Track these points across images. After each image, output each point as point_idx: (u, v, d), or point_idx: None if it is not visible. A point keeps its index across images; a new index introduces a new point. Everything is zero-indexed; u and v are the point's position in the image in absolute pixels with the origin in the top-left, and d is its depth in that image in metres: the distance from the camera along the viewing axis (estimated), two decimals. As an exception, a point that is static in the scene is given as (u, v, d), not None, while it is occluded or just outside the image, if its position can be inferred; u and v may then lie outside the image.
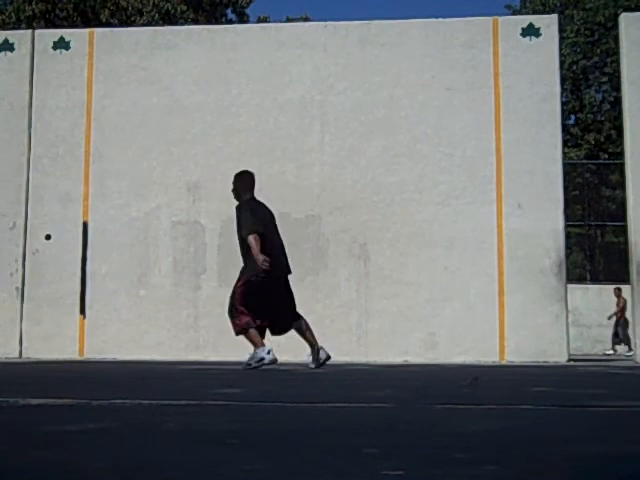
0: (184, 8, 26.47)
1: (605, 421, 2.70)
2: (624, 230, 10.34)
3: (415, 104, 9.29)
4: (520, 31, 9.28)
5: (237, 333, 6.81)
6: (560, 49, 9.57)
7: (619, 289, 18.63)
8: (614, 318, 18.55)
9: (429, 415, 2.83)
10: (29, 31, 10.39)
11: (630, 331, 18.37)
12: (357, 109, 9.35)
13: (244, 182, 7.01)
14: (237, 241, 6.58)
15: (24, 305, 9.32)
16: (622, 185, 10.93)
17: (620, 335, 18.28)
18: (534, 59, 9.22)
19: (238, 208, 6.88)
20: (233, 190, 7.02)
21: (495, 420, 2.66)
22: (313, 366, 6.82)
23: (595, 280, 21.93)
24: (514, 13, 30.66)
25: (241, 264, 6.84)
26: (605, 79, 30.80)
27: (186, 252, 9.37)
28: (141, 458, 1.80)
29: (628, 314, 15.92)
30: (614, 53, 26.76)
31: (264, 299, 6.70)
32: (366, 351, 8.93)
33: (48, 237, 9.08)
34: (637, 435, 2.29)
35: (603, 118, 31.14)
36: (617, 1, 29.70)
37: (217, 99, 9.54)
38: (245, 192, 6.95)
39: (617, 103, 24.03)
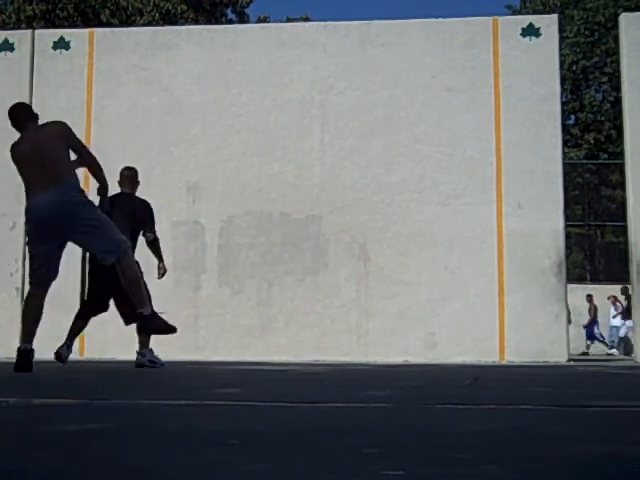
0: (184, 8, 26.48)
1: (605, 421, 2.69)
2: (624, 230, 10.34)
3: (415, 104, 9.29)
4: (520, 31, 9.28)
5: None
6: (560, 49, 9.57)
7: (590, 296, 18.96)
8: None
9: (429, 415, 2.83)
10: (29, 31, 10.39)
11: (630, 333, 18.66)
12: (357, 109, 9.35)
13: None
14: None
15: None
16: (622, 185, 10.93)
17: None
18: (534, 59, 9.22)
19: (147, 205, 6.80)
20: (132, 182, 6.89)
21: (495, 420, 2.65)
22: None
23: (595, 280, 21.92)
24: (514, 13, 30.66)
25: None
26: (605, 79, 30.79)
27: (186, 252, 9.37)
28: (141, 458, 1.80)
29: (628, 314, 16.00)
30: (614, 53, 26.76)
31: None
32: (366, 351, 8.93)
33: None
34: (637, 435, 2.29)
35: (603, 118, 31.13)
36: (617, 1, 29.70)
37: (217, 99, 9.54)
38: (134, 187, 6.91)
39: (617, 103, 24.02)
